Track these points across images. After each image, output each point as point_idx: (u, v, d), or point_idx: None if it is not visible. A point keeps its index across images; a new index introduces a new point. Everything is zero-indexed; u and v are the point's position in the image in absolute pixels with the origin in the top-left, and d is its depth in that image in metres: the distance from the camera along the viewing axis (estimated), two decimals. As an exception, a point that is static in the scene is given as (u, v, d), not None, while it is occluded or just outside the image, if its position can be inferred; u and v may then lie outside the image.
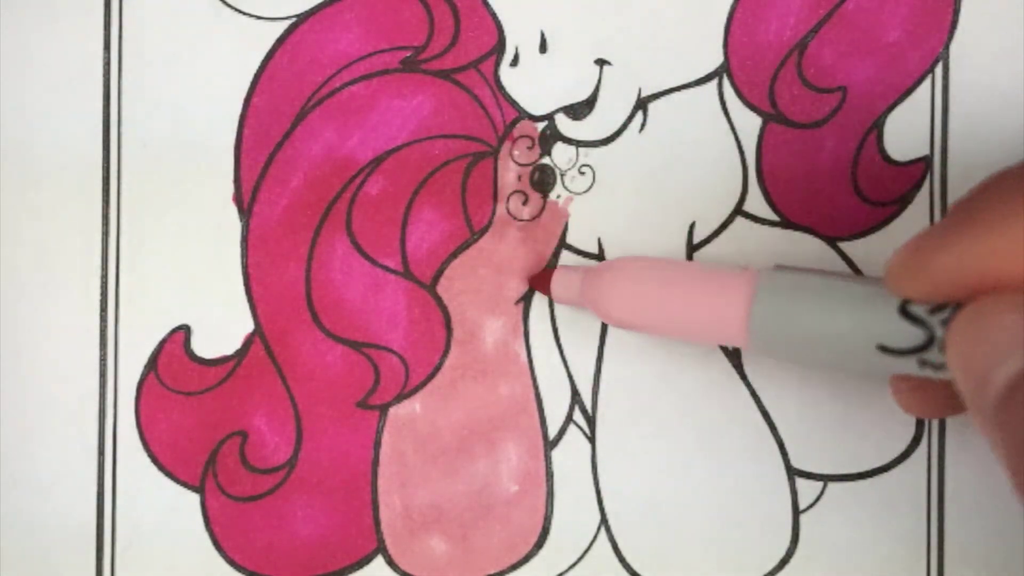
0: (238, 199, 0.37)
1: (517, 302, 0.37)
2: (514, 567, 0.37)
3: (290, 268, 0.37)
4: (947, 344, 0.28)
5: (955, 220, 0.28)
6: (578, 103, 0.37)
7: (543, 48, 0.37)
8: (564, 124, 0.37)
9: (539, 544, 0.37)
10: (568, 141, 0.37)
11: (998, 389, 0.26)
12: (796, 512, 0.37)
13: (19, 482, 0.37)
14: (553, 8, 0.37)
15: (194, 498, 0.37)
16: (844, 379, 0.36)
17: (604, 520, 0.37)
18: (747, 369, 0.37)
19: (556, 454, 0.37)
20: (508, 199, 0.37)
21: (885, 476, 0.37)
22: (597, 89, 0.37)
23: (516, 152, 0.37)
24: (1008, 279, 0.27)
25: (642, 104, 0.37)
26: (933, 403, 0.32)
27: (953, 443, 0.36)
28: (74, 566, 0.37)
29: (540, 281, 0.36)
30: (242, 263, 0.37)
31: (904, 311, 0.29)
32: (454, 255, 0.37)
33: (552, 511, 0.37)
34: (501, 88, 0.37)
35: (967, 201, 0.28)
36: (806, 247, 0.37)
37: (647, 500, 0.37)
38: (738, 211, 0.37)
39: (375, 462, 0.37)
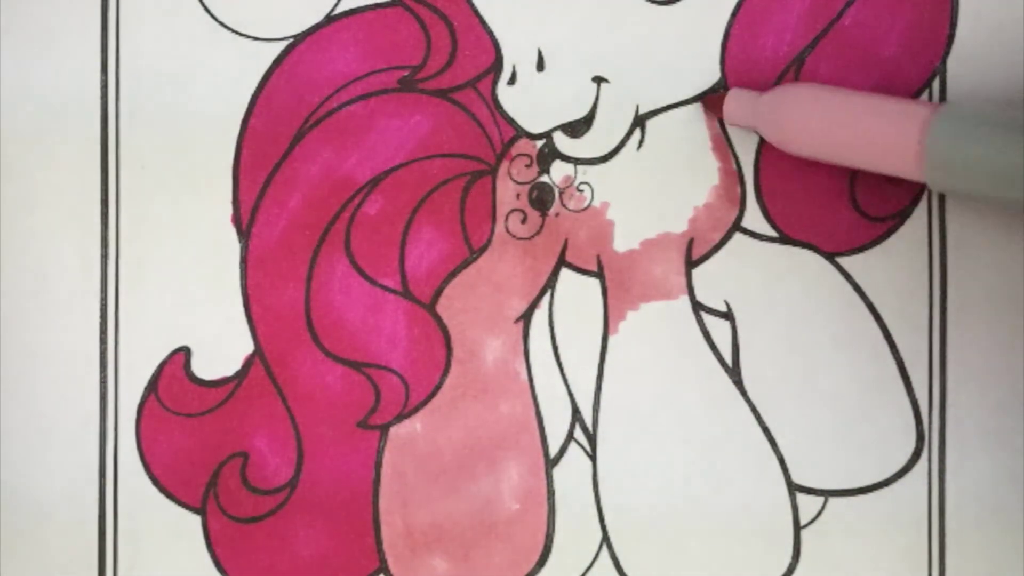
0: (237, 220, 0.37)
1: (517, 320, 0.37)
2: (516, 585, 0.37)
3: (289, 289, 0.37)
4: None
5: None
6: (576, 121, 0.37)
7: (540, 66, 0.37)
8: (562, 142, 0.37)
9: (541, 562, 0.37)
10: (566, 159, 0.37)
11: None
12: (797, 527, 0.37)
13: (20, 504, 0.37)
14: (550, 26, 0.37)
15: (195, 520, 0.37)
16: (845, 391, 0.37)
17: (606, 537, 0.37)
18: (747, 385, 0.37)
19: (557, 472, 0.37)
20: (507, 217, 0.37)
21: (886, 491, 0.37)
22: (595, 106, 0.37)
23: (514, 170, 0.37)
24: None
25: (640, 121, 0.37)
26: None
27: (954, 457, 0.37)
28: (76, 588, 0.37)
29: (713, 103, 0.36)
30: (241, 284, 0.37)
31: None
32: (453, 274, 0.37)
33: (554, 529, 0.37)
34: (499, 106, 0.37)
35: None
36: (805, 263, 0.37)
37: (649, 517, 0.37)
38: (736, 227, 0.37)
39: (376, 482, 0.37)
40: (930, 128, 0.32)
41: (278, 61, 0.37)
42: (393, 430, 0.37)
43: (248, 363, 0.37)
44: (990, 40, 0.36)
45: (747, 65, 0.37)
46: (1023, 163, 0.30)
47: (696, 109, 0.37)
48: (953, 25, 0.37)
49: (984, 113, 0.31)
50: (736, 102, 0.36)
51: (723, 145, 0.37)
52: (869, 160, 0.33)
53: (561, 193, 0.37)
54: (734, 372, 0.37)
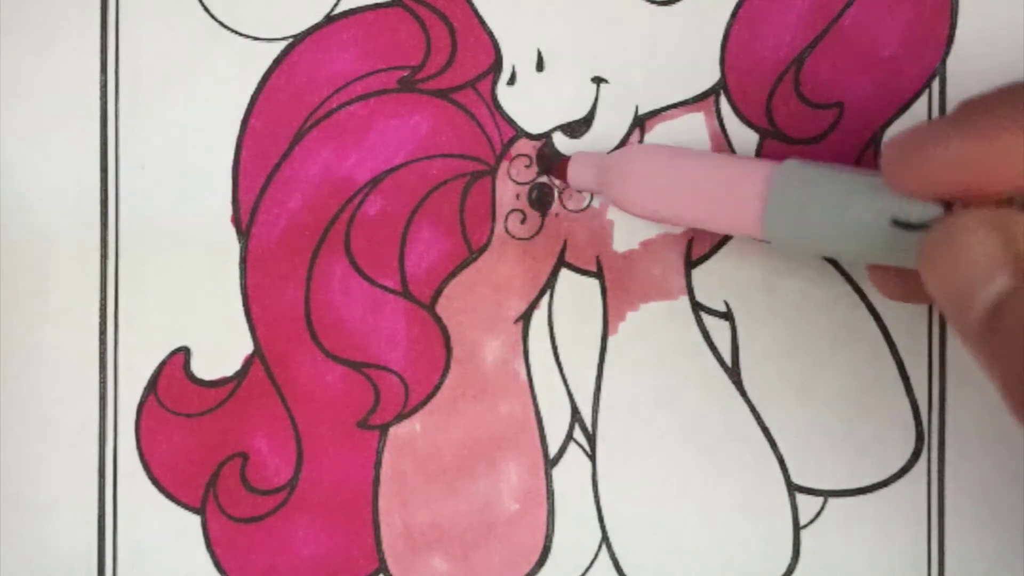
0: (236, 220, 0.37)
1: (516, 320, 0.37)
2: (516, 585, 0.37)
3: (289, 289, 0.37)
4: (923, 255, 0.28)
5: (958, 117, 0.27)
6: (575, 121, 0.37)
7: (540, 66, 0.37)
8: (562, 142, 0.37)
9: (540, 562, 0.37)
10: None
11: (981, 312, 0.26)
12: (797, 528, 0.37)
13: (20, 506, 0.37)
14: (550, 26, 0.37)
15: (195, 520, 0.37)
16: (845, 392, 0.37)
17: (605, 537, 0.37)
18: (747, 385, 0.37)
19: (557, 472, 0.37)
20: (506, 218, 0.37)
21: (885, 491, 0.37)
22: (594, 107, 0.37)
23: (514, 171, 0.37)
24: (999, 185, 0.26)
25: (639, 122, 0.37)
26: (916, 287, 0.31)
27: (953, 457, 0.37)
28: (76, 588, 0.37)
29: (558, 169, 0.36)
30: (241, 284, 0.37)
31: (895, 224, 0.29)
32: (453, 274, 0.37)
33: (553, 529, 0.37)
34: (498, 107, 0.37)
35: (973, 103, 0.28)
36: (804, 263, 0.37)
37: (648, 517, 0.37)
38: (736, 228, 0.37)
39: (376, 482, 0.37)
40: (770, 186, 0.31)
41: (278, 61, 0.37)
42: (393, 430, 0.37)
43: (248, 363, 0.37)
44: (990, 40, 0.36)
45: (747, 65, 0.37)
46: (858, 217, 0.30)
47: (695, 110, 0.37)
48: (953, 25, 0.37)
49: (822, 170, 0.31)
50: (580, 166, 0.36)
51: (723, 145, 0.37)
52: (713, 220, 0.33)
53: (560, 193, 0.37)
54: (733, 372, 0.37)
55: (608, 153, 0.35)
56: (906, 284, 0.32)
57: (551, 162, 0.37)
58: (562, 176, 0.36)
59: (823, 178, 0.31)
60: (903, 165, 0.28)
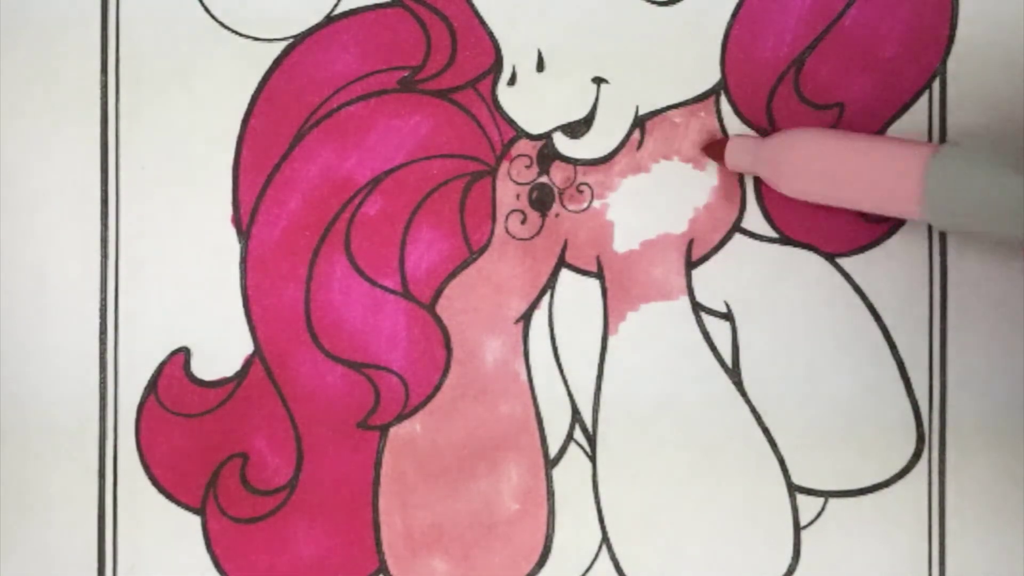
0: (237, 220, 0.37)
1: (516, 321, 0.37)
2: (516, 586, 0.37)
3: (289, 289, 0.37)
4: None
5: None
6: (576, 121, 0.37)
7: (540, 67, 0.37)
8: (562, 143, 0.37)
9: (541, 563, 0.37)
10: (566, 160, 0.37)
11: None
12: (797, 528, 0.37)
13: (20, 506, 0.37)
14: (550, 27, 0.37)
15: (195, 520, 0.37)
16: (845, 392, 0.37)
17: (605, 538, 0.37)
18: (747, 386, 0.37)
19: (557, 473, 0.37)
20: (507, 218, 0.37)
21: (886, 492, 0.37)
22: (595, 107, 0.37)
23: (514, 171, 0.37)
24: None
25: (640, 122, 0.37)
26: None
27: (954, 458, 0.36)
28: (76, 589, 0.37)
29: (714, 149, 0.36)
30: (241, 284, 0.37)
31: None
32: (453, 274, 0.37)
33: (553, 529, 0.37)
34: (499, 107, 0.37)
35: None
36: (805, 263, 0.37)
37: (648, 517, 0.37)
38: (736, 228, 0.37)
39: (376, 482, 0.37)
40: (928, 168, 0.32)
41: (278, 61, 0.37)
42: (393, 430, 0.37)
43: (248, 363, 0.37)
44: (990, 41, 0.36)
45: (747, 66, 0.37)
46: (1020, 202, 0.30)
47: (695, 110, 0.37)
48: (953, 26, 0.37)
49: (982, 152, 0.32)
50: (738, 148, 0.36)
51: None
52: (871, 202, 0.34)
53: (561, 194, 0.37)
54: (734, 373, 0.37)
55: (765, 138, 0.35)
56: None
57: (707, 143, 0.37)
58: (718, 157, 0.36)
59: (981, 166, 0.31)
60: None
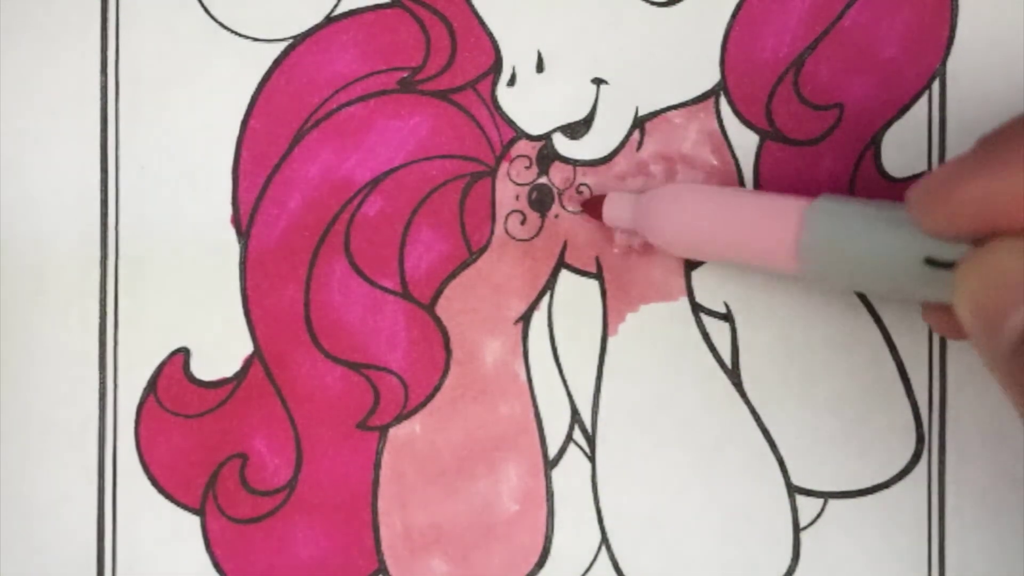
0: (236, 221, 0.37)
1: (516, 322, 0.37)
2: (515, 587, 0.37)
3: (289, 290, 0.37)
4: (956, 284, 0.28)
5: (979, 155, 0.28)
6: (575, 122, 0.37)
7: (540, 68, 0.37)
8: (561, 143, 0.37)
9: (540, 564, 0.37)
10: (565, 160, 0.37)
11: (1011, 336, 0.26)
12: (797, 529, 0.37)
13: (20, 506, 0.37)
14: (550, 28, 0.37)
15: (194, 520, 0.37)
16: (845, 393, 0.36)
17: (605, 539, 0.37)
18: (747, 387, 0.37)
19: (556, 473, 0.37)
20: (506, 219, 0.37)
21: (886, 493, 0.37)
22: (594, 108, 0.37)
23: (513, 172, 0.37)
24: None
25: (639, 123, 0.37)
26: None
27: (954, 459, 0.36)
28: (75, 589, 0.37)
29: (592, 206, 0.36)
30: (241, 285, 0.37)
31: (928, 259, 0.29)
32: (453, 275, 0.37)
33: (553, 530, 0.37)
34: (498, 108, 0.37)
35: (991, 139, 0.28)
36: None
37: (648, 519, 0.37)
38: (736, 229, 0.37)
39: (375, 483, 0.37)
40: (804, 221, 0.31)
41: (278, 62, 0.37)
42: (392, 431, 0.37)
43: (247, 364, 0.37)
44: (990, 41, 0.36)
45: (747, 66, 0.37)
46: (892, 256, 0.30)
47: (695, 111, 0.37)
48: (953, 27, 0.37)
49: (856, 204, 0.31)
50: (615, 205, 0.36)
51: (722, 146, 0.37)
52: (748, 257, 0.33)
53: (560, 194, 0.37)
54: (734, 374, 0.37)
55: (643, 193, 0.35)
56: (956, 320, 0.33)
57: (585, 200, 0.37)
58: (596, 214, 0.36)
59: (856, 216, 0.31)
60: (929, 206, 0.29)
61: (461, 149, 0.37)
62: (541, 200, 0.37)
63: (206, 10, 0.38)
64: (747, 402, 0.37)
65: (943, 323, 0.33)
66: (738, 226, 0.33)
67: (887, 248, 0.30)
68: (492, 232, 0.37)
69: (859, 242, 0.31)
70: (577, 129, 0.37)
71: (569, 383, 0.37)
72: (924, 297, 0.31)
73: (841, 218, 0.31)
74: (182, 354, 0.37)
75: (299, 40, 0.37)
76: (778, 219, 0.32)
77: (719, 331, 0.37)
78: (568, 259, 0.37)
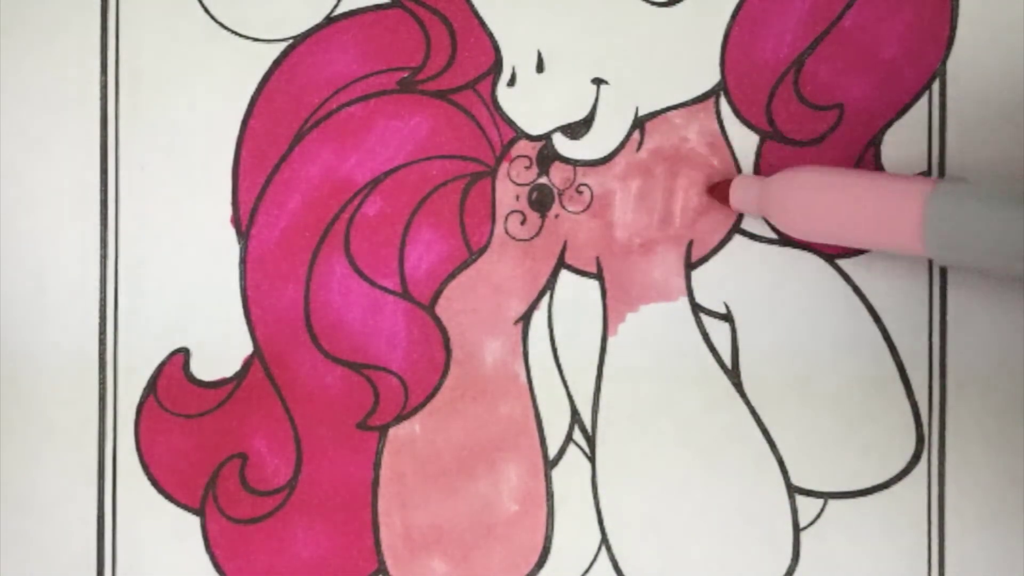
0: (236, 221, 0.37)
1: (516, 322, 0.37)
2: (515, 587, 0.37)
3: (289, 290, 0.37)
4: None
5: None
6: (575, 122, 0.37)
7: (540, 68, 0.37)
8: (561, 143, 0.37)
9: (540, 564, 0.37)
10: (566, 160, 0.37)
11: None
12: (796, 529, 0.37)
13: (19, 506, 0.37)
14: (550, 27, 0.37)
15: (194, 521, 0.37)
16: (845, 393, 0.36)
17: (605, 539, 0.37)
18: (746, 387, 0.37)
19: (556, 474, 0.37)
20: (506, 219, 0.37)
21: (886, 493, 0.37)
22: (594, 108, 0.37)
23: (514, 172, 0.37)
24: None
25: (640, 123, 0.37)
26: None
27: (954, 460, 0.36)
28: (75, 589, 0.37)
29: (719, 190, 0.36)
30: (240, 285, 0.37)
31: None
32: (453, 275, 0.37)
33: (553, 531, 0.37)
34: (498, 108, 0.37)
35: None
36: (805, 265, 0.37)
37: (648, 519, 0.37)
38: (736, 229, 0.37)
39: (375, 483, 0.37)
40: (927, 204, 0.32)
41: (278, 62, 0.37)
42: (392, 431, 0.37)
43: (247, 364, 0.37)
44: (990, 42, 0.36)
45: (747, 67, 0.37)
46: (1022, 236, 0.30)
47: (695, 111, 0.37)
48: (953, 27, 0.37)
49: (983, 185, 0.32)
50: (742, 188, 0.36)
51: (723, 147, 0.37)
52: (873, 239, 0.34)
53: (561, 194, 0.37)
54: (733, 374, 0.37)
55: (769, 177, 0.35)
56: None
57: (712, 185, 0.37)
58: (722, 198, 0.36)
59: (980, 200, 0.31)
60: None
61: (461, 149, 0.37)
62: (541, 200, 0.37)
63: (206, 10, 0.38)
64: (747, 402, 0.37)
65: None
66: (862, 211, 0.33)
67: (1013, 234, 0.30)
68: (492, 232, 0.37)
69: (983, 227, 0.31)
70: (577, 129, 0.37)
71: (569, 383, 0.37)
72: None
73: (964, 202, 0.32)
74: (182, 354, 0.37)
75: (299, 40, 0.37)
76: (902, 204, 0.32)
77: (719, 332, 0.37)
78: (568, 259, 0.37)
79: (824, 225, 0.34)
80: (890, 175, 0.35)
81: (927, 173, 0.36)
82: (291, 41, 0.37)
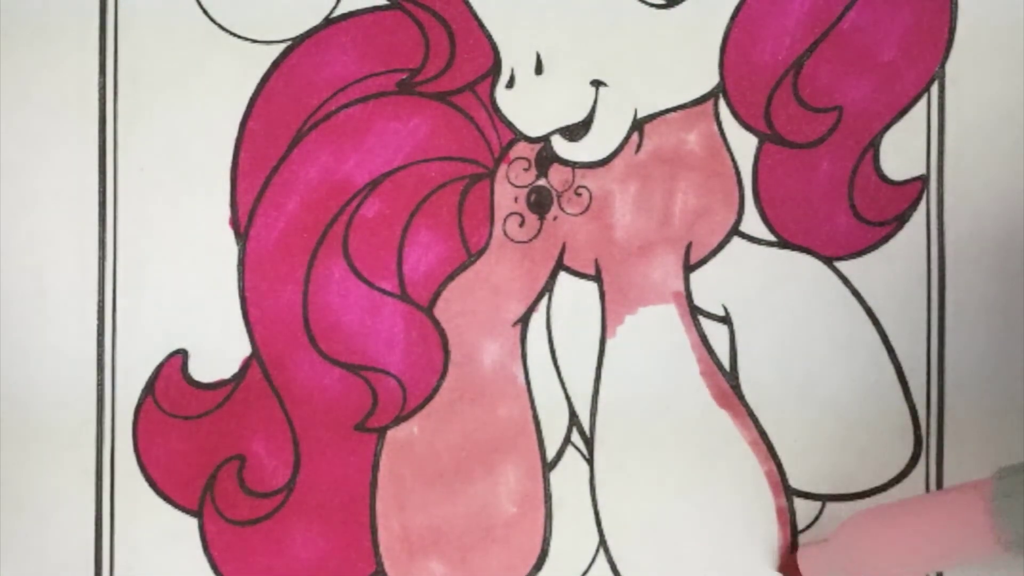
0: (235, 222, 0.37)
1: (514, 324, 0.37)
2: (513, 589, 0.37)
3: (287, 291, 0.37)
4: None
5: None
6: (574, 124, 0.37)
7: (539, 70, 0.37)
8: (560, 145, 0.37)
9: (538, 566, 0.37)
10: (564, 162, 0.37)
11: None
12: (795, 532, 0.37)
13: (18, 508, 0.37)
14: (549, 29, 0.37)
15: (192, 522, 0.37)
16: (843, 396, 0.36)
17: (603, 541, 0.37)
18: (745, 389, 0.37)
19: (554, 476, 0.37)
20: (505, 221, 0.37)
21: (883, 495, 0.37)
22: (593, 110, 0.37)
23: (512, 174, 0.37)
24: None
25: (638, 125, 0.37)
26: None
27: (951, 463, 0.36)
28: (73, 590, 0.37)
29: (789, 568, 0.36)
30: (239, 287, 0.37)
31: None
32: (451, 277, 0.37)
33: (551, 533, 0.37)
34: (497, 110, 0.37)
35: None
36: (803, 267, 0.37)
37: (646, 521, 0.37)
38: (735, 231, 0.37)
39: (373, 485, 0.37)
40: (994, 502, 0.31)
41: (276, 64, 0.37)
42: (390, 433, 0.37)
43: (245, 366, 0.37)
44: (989, 44, 0.36)
45: (746, 69, 0.37)
46: None
47: (694, 113, 0.37)
48: (952, 29, 0.37)
49: None
50: (810, 559, 0.35)
51: (721, 149, 0.37)
52: (950, 557, 0.33)
53: (559, 196, 0.37)
54: (732, 376, 0.37)
55: (830, 539, 0.35)
56: None
57: (783, 562, 0.36)
58: (794, 572, 0.36)
59: None
60: None
61: (460, 151, 0.37)
62: (540, 202, 0.37)
63: (205, 12, 0.37)
64: (745, 404, 0.37)
65: None
66: (932, 533, 0.33)
67: None
68: (491, 234, 0.37)
69: None
70: (576, 131, 0.37)
71: (567, 385, 0.37)
72: None
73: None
74: (180, 355, 0.37)
75: (298, 42, 0.37)
76: (968, 510, 0.32)
77: (718, 334, 0.37)
78: (567, 261, 0.37)
79: (902, 561, 0.33)
80: (943, 492, 0.34)
81: (926, 174, 0.36)
82: (290, 43, 0.37)
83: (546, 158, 0.37)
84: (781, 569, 0.36)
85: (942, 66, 0.37)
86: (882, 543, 0.33)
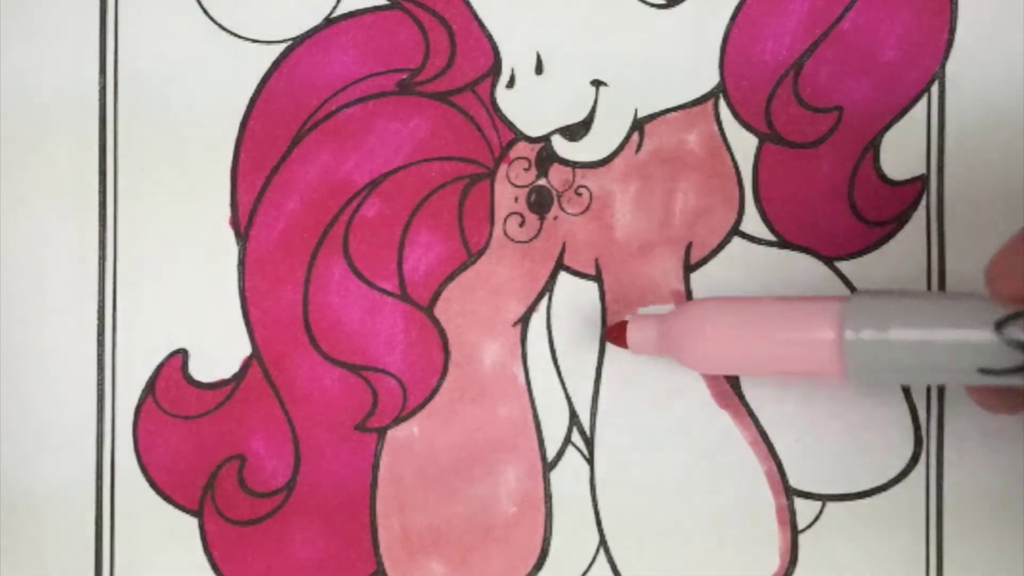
0: (235, 222, 0.37)
1: (515, 324, 0.37)
2: (513, 589, 0.37)
3: (287, 291, 0.37)
4: None
5: None
6: (574, 124, 0.37)
7: (539, 69, 0.37)
8: (560, 145, 0.37)
9: (538, 566, 0.37)
10: (564, 162, 0.37)
11: None
12: (795, 532, 0.37)
13: (18, 507, 0.37)
14: (549, 29, 0.37)
15: (192, 522, 0.37)
16: (843, 396, 0.36)
17: (603, 541, 0.37)
18: (745, 389, 0.37)
19: (555, 476, 0.37)
20: (505, 221, 0.37)
21: (884, 495, 0.37)
22: (593, 110, 0.37)
23: (512, 174, 0.37)
24: None
25: (639, 125, 0.37)
26: (1017, 401, 0.32)
27: (952, 461, 0.36)
28: (73, 590, 0.37)
29: (615, 333, 0.35)
30: (239, 286, 0.37)
31: (1000, 331, 0.29)
32: (451, 277, 0.37)
33: (551, 533, 0.37)
34: (497, 110, 0.37)
35: None
36: (803, 267, 0.37)
37: (646, 521, 0.37)
38: (735, 231, 0.37)
39: (373, 485, 0.37)
40: (844, 319, 0.31)
41: (276, 63, 0.37)
42: (390, 433, 0.37)
43: (246, 365, 0.37)
44: (989, 44, 0.36)
45: (746, 69, 0.37)
46: (939, 360, 0.30)
47: (694, 113, 0.37)
48: (952, 29, 0.37)
49: (892, 298, 0.31)
50: (639, 330, 0.35)
51: (722, 149, 0.37)
52: (788, 366, 0.33)
53: (559, 196, 0.37)
54: (730, 375, 0.37)
55: (666, 315, 0.34)
56: (1007, 400, 0.32)
57: (609, 328, 0.36)
58: (620, 341, 0.35)
59: (898, 312, 0.30)
60: (1012, 276, 0.28)
61: (460, 151, 0.37)
62: (540, 202, 0.37)
63: (205, 12, 0.38)
64: (745, 404, 0.37)
65: (991, 402, 0.33)
66: (773, 339, 0.32)
67: (938, 361, 0.30)
68: (491, 234, 0.37)
69: (907, 355, 0.30)
70: (576, 131, 0.37)
71: (568, 385, 0.37)
72: (981, 383, 0.31)
73: (882, 316, 0.31)
74: (180, 355, 0.37)
75: (298, 42, 0.37)
76: (816, 325, 0.31)
77: (718, 333, 0.37)
78: (567, 261, 0.37)
79: (736, 359, 0.33)
80: (796, 299, 0.33)
81: (926, 174, 0.36)
82: (290, 42, 0.37)
83: (546, 158, 0.37)
84: (608, 334, 0.36)
85: (942, 66, 0.37)
86: (721, 334, 0.33)
